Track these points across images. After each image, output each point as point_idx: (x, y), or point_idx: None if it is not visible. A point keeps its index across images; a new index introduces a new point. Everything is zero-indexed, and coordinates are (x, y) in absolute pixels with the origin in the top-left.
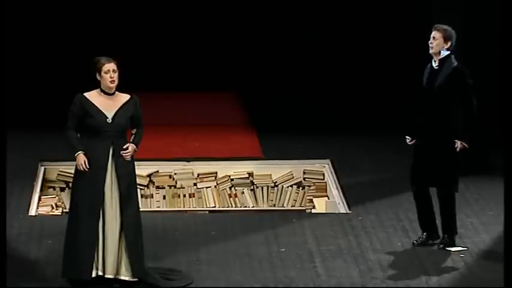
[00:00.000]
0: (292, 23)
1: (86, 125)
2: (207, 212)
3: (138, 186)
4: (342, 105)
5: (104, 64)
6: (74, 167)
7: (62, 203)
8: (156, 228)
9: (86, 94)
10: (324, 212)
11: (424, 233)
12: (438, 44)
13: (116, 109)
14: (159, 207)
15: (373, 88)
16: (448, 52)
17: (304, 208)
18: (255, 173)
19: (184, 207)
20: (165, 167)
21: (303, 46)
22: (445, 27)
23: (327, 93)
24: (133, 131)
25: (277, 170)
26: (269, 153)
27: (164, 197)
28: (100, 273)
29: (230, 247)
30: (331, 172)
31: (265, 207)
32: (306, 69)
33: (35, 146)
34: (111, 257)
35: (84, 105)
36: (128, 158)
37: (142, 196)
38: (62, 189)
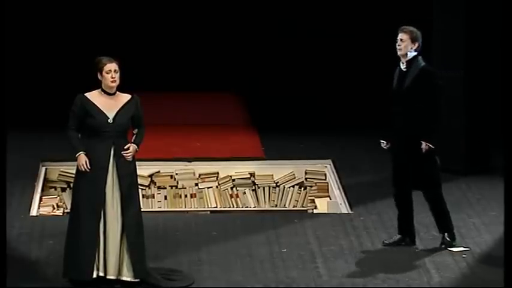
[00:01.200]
0: (292, 23)
1: (86, 125)
2: (209, 212)
3: (139, 187)
4: (343, 105)
5: (105, 64)
6: (75, 167)
7: (63, 203)
8: (158, 228)
9: (86, 94)
10: (326, 212)
11: (399, 235)
12: (406, 46)
13: (117, 109)
14: (160, 207)
15: (373, 88)
16: (415, 53)
17: (305, 208)
18: (256, 173)
19: (185, 207)
20: (167, 167)
21: (303, 46)
22: (412, 28)
23: (328, 93)
24: (135, 131)
25: (279, 170)
26: (270, 153)
27: (165, 197)
28: (101, 274)
29: (231, 247)
30: (333, 172)
31: (267, 208)
32: (307, 69)
33: (36, 146)
34: (112, 258)
35: (85, 105)
36: (129, 158)
37: (143, 196)
38: (63, 190)
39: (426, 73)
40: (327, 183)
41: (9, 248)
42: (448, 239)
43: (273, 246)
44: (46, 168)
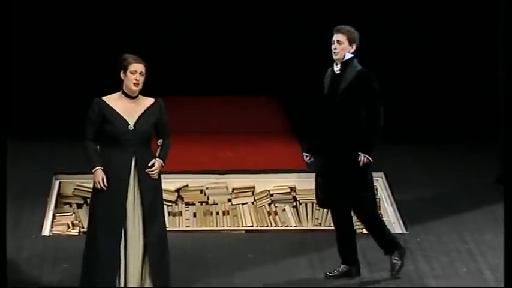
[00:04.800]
0: (332, 24)
1: (104, 132)
2: (243, 231)
3: (164, 203)
4: (394, 108)
5: (131, 63)
6: (93, 180)
7: (79, 221)
8: (185, 249)
9: (104, 98)
10: None
11: (344, 265)
12: (344, 48)
13: (139, 114)
14: (188, 226)
15: (428, 90)
16: (352, 55)
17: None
18: (297, 188)
19: (217, 226)
20: (196, 181)
21: None
22: (349, 28)
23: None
24: (159, 142)
25: None
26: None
27: (195, 215)
28: None
29: (269, 272)
30: (385, 187)
31: (309, 227)
32: None
33: (49, 157)
34: (133, 282)
35: (103, 111)
36: (155, 176)
37: (169, 214)
38: (79, 206)
39: (363, 77)
40: (379, 199)
41: (19, 271)
42: (396, 259)
43: (317, 271)
44: (60, 182)
